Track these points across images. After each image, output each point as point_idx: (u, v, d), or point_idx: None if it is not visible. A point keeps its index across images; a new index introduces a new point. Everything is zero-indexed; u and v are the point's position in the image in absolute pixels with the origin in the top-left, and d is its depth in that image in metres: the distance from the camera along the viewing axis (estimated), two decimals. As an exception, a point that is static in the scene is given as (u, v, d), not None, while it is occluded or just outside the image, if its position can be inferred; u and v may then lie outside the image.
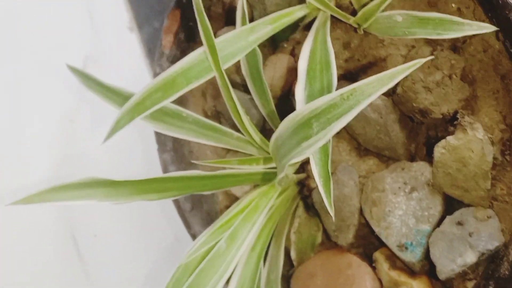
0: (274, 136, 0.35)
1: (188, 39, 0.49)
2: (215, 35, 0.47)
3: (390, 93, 0.41)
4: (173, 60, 0.49)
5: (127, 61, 0.73)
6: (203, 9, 0.38)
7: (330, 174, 0.33)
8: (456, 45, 0.39)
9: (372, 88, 0.26)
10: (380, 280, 0.42)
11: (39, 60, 0.63)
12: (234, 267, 0.41)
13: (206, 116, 0.51)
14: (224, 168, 0.45)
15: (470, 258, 0.37)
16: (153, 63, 0.53)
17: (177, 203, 0.51)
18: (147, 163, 0.55)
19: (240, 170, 0.44)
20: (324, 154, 0.33)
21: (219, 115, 0.51)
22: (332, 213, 0.32)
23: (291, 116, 0.32)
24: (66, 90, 0.57)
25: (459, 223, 0.38)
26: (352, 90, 0.27)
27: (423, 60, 0.24)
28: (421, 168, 0.41)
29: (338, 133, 0.44)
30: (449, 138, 0.37)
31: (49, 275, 0.59)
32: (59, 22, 0.69)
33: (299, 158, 0.31)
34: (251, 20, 0.45)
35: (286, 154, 0.33)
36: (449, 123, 0.39)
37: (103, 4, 0.73)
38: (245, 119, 0.42)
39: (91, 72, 0.70)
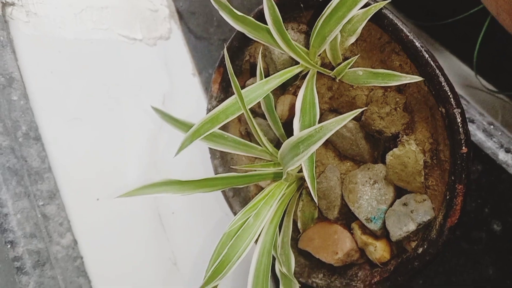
0: (279, 152, 0.37)
1: (228, 86, 0.51)
2: (245, 84, 0.51)
3: (358, 120, 0.43)
4: (219, 100, 0.51)
5: (191, 97, 0.76)
6: (233, 73, 0.39)
7: (314, 175, 0.36)
8: (400, 88, 0.41)
9: (333, 126, 0.30)
10: (356, 242, 0.44)
11: (135, 98, 0.65)
12: (259, 233, 0.42)
13: (241, 135, 0.53)
14: (252, 170, 0.47)
15: (411, 227, 0.39)
16: (207, 101, 0.56)
17: (224, 192, 0.53)
18: (204, 166, 0.56)
19: (262, 171, 0.46)
20: (311, 162, 0.36)
21: (249, 134, 0.52)
22: (315, 199, 0.35)
23: (288, 141, 0.34)
24: (153, 120, 0.58)
25: (405, 204, 0.40)
26: (321, 126, 0.31)
27: (360, 110, 0.28)
28: (380, 168, 0.42)
29: (326, 146, 0.48)
30: (394, 149, 0.40)
31: (145, 240, 0.61)
32: (147, 71, 0.71)
33: (293, 167, 0.35)
34: (267, 74, 0.47)
35: (286, 163, 0.36)
36: (397, 139, 0.41)
37: (175, 57, 0.75)
38: (263, 138, 0.44)
39: (168, 104, 0.74)
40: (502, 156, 0.52)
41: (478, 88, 0.72)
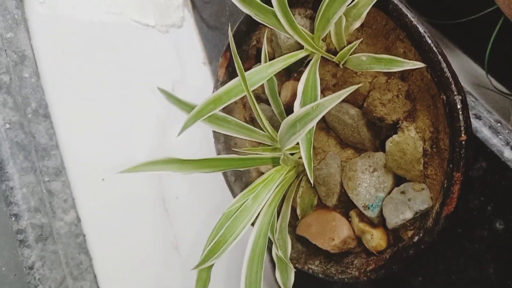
0: (279, 132, 0.37)
1: (234, 71, 0.51)
2: (251, 69, 0.52)
3: (360, 107, 0.43)
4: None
5: (201, 84, 0.77)
6: (237, 56, 0.40)
7: (311, 155, 0.36)
8: (404, 75, 0.41)
9: (329, 103, 0.30)
10: (353, 230, 0.44)
11: (145, 83, 0.66)
12: (257, 215, 0.43)
13: (245, 121, 0.53)
14: (253, 153, 0.47)
15: (408, 215, 0.39)
16: (213, 85, 0.57)
17: (225, 176, 0.52)
18: (207, 151, 0.56)
19: (262, 155, 0.46)
20: (308, 143, 0.36)
21: (253, 120, 0.53)
22: (311, 180, 0.35)
23: (286, 120, 0.34)
24: (161, 103, 0.58)
25: (403, 192, 0.40)
26: (318, 104, 0.31)
27: (355, 87, 0.28)
28: (380, 156, 0.42)
29: (328, 133, 0.48)
30: (394, 136, 0.40)
31: (148, 223, 0.63)
32: (158, 57, 0.73)
33: (290, 145, 0.35)
34: (272, 59, 0.48)
35: (284, 143, 0.36)
36: (398, 127, 0.41)
37: (186, 46, 0.77)
38: (265, 122, 0.44)
39: (178, 92, 0.75)
40: (507, 153, 0.51)
41: (489, 89, 0.71)
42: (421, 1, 0.75)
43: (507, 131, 0.53)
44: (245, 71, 0.43)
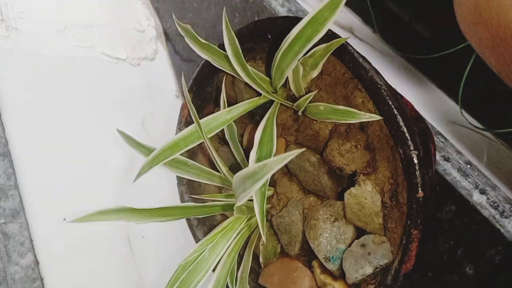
0: (233, 185, 0.36)
1: (198, 111, 0.50)
2: (214, 111, 0.50)
3: (321, 154, 0.42)
4: (188, 126, 0.51)
5: (173, 118, 0.76)
6: (192, 106, 0.40)
7: (264, 211, 0.35)
8: (363, 125, 0.40)
9: (274, 164, 0.29)
10: (316, 281, 0.43)
11: (114, 119, 0.64)
12: (215, 266, 0.42)
13: (209, 163, 0.51)
14: (214, 200, 0.47)
15: (368, 270, 0.38)
16: (176, 125, 0.54)
17: (188, 220, 0.51)
18: (170, 192, 0.54)
19: (223, 201, 0.45)
20: (262, 198, 0.35)
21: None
22: (264, 238, 0.34)
23: (236, 176, 0.33)
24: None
25: (363, 245, 0.39)
26: (265, 164, 0.29)
27: (300, 151, 0.27)
28: (341, 205, 0.41)
29: (291, 178, 0.47)
30: (352, 188, 0.38)
31: (112, 263, 0.60)
32: (128, 91, 0.72)
33: (242, 202, 0.33)
34: (235, 102, 0.46)
35: (237, 197, 0.35)
36: (355, 179, 0.40)
37: (159, 79, 0.76)
38: (223, 168, 0.43)
39: (148, 126, 0.74)
40: (476, 197, 0.50)
41: (463, 125, 0.71)
42: (396, 35, 0.75)
43: (476, 173, 0.53)
44: (209, 113, 0.42)
